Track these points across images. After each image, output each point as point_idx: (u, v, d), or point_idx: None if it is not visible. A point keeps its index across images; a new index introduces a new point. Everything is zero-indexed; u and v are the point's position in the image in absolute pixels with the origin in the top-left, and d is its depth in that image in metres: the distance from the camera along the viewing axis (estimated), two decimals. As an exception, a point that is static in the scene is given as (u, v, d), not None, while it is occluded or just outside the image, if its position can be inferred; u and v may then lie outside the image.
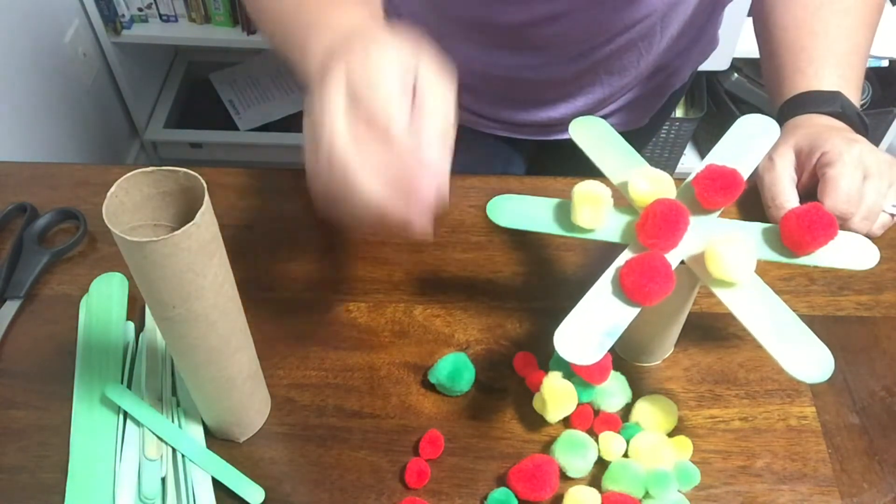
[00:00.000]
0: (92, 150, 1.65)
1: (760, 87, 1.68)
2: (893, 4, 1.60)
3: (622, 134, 0.54)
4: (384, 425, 0.54)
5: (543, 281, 0.63)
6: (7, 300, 0.60)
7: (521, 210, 0.51)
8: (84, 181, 0.69)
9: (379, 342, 0.58)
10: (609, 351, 0.44)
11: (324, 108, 0.40)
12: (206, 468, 0.50)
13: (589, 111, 0.81)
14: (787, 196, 0.61)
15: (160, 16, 1.65)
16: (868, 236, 0.51)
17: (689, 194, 0.50)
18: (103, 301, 0.59)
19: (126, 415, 0.52)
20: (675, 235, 0.47)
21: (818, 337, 0.44)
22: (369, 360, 0.57)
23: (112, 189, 0.38)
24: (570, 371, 0.53)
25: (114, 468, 0.50)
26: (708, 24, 0.81)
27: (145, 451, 0.50)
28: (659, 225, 0.46)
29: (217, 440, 0.52)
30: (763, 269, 0.46)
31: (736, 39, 1.51)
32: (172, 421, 0.52)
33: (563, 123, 0.82)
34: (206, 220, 0.38)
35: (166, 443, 0.51)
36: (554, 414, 0.52)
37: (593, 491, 0.49)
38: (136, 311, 0.59)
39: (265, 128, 1.83)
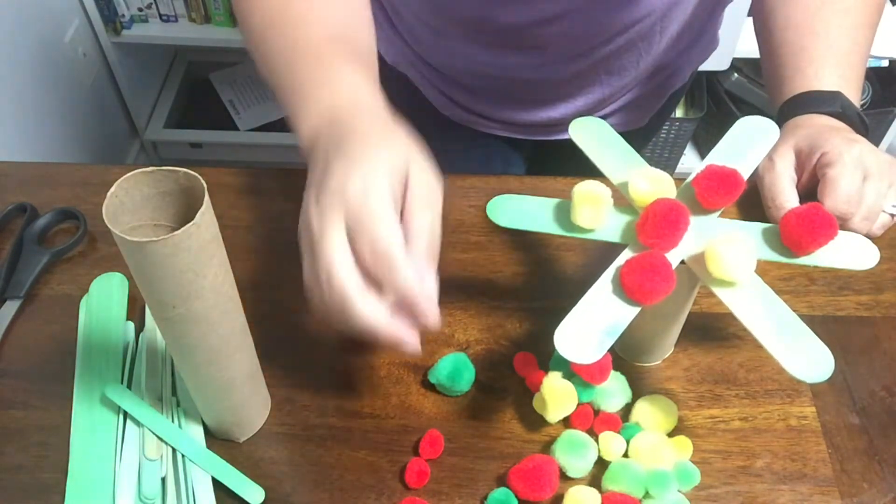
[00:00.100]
0: (92, 150, 1.65)
1: (760, 87, 1.68)
2: (893, 4, 1.60)
3: (622, 134, 0.54)
4: (384, 425, 0.54)
5: (543, 281, 0.63)
6: (7, 300, 0.60)
7: (521, 210, 0.51)
8: (84, 181, 0.69)
9: (379, 342, 0.58)
10: (609, 351, 0.44)
11: (323, 238, 0.42)
12: (206, 468, 0.50)
13: (589, 111, 0.81)
14: (787, 196, 0.61)
15: (160, 16, 1.65)
16: (868, 236, 0.51)
17: (689, 194, 0.50)
18: (103, 301, 0.59)
19: (126, 415, 0.52)
20: (675, 235, 0.47)
21: (818, 337, 0.44)
22: (369, 360, 0.57)
23: (112, 189, 0.38)
24: (570, 371, 0.53)
25: (114, 468, 0.50)
26: (708, 24, 0.81)
27: (145, 451, 0.50)
28: (659, 225, 0.46)
29: (217, 440, 0.52)
30: (763, 269, 0.46)
31: (736, 39, 1.51)
32: (172, 421, 0.52)
33: (563, 123, 0.82)
34: (206, 220, 0.38)
35: (166, 443, 0.51)
36: (554, 414, 0.52)
37: (593, 491, 0.49)
38: (136, 311, 0.59)
39: (265, 128, 1.83)
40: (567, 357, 0.44)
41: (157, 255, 0.37)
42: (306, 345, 0.58)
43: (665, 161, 1.82)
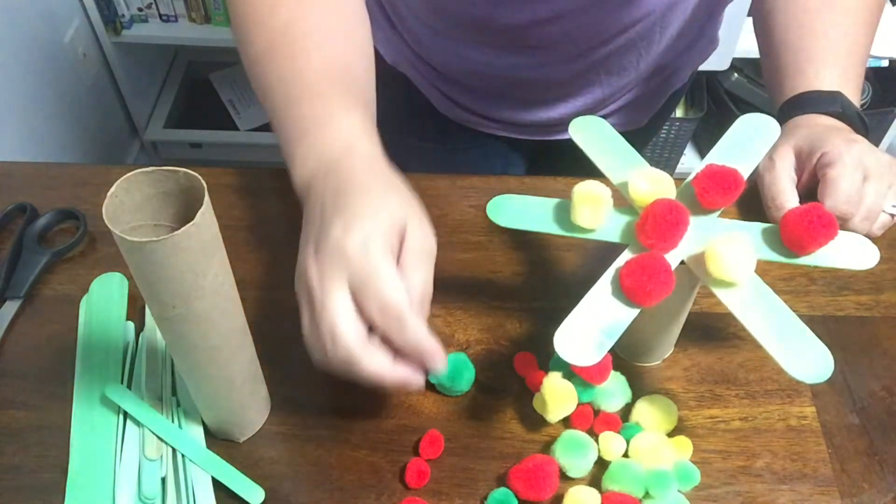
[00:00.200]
0: (92, 150, 1.65)
1: (760, 87, 1.68)
2: (893, 4, 1.60)
3: (622, 134, 0.54)
4: (384, 425, 0.54)
5: (543, 281, 0.63)
6: (7, 300, 0.60)
7: (521, 210, 0.51)
8: (84, 181, 0.69)
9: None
10: (609, 351, 0.44)
11: (325, 298, 0.43)
12: (206, 468, 0.50)
13: (589, 111, 0.81)
14: (787, 196, 0.61)
15: (160, 16, 1.65)
16: (868, 236, 0.51)
17: (689, 194, 0.50)
18: (103, 301, 0.59)
19: (126, 415, 0.52)
20: (675, 235, 0.47)
21: (818, 337, 0.44)
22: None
23: (112, 189, 0.38)
24: (570, 371, 0.53)
25: (114, 468, 0.50)
26: (708, 24, 0.81)
27: (145, 451, 0.50)
28: (659, 225, 0.46)
29: (217, 440, 0.52)
30: (763, 269, 0.46)
31: (736, 39, 1.51)
32: (172, 421, 0.52)
33: (562, 123, 0.81)
34: (206, 220, 0.38)
35: (166, 443, 0.51)
36: (554, 414, 0.52)
37: (593, 491, 0.49)
38: (136, 311, 0.59)
39: (265, 128, 1.83)
40: (567, 359, 0.44)
41: (157, 255, 0.37)
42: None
43: (665, 161, 1.82)
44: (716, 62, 1.53)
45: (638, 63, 0.76)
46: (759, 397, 0.56)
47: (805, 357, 0.43)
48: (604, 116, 0.83)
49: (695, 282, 0.49)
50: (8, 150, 1.34)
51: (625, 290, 0.45)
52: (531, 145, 0.91)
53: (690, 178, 0.51)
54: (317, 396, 0.55)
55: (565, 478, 0.51)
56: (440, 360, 0.45)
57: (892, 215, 0.60)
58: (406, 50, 0.81)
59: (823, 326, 0.59)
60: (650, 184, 0.48)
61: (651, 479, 0.49)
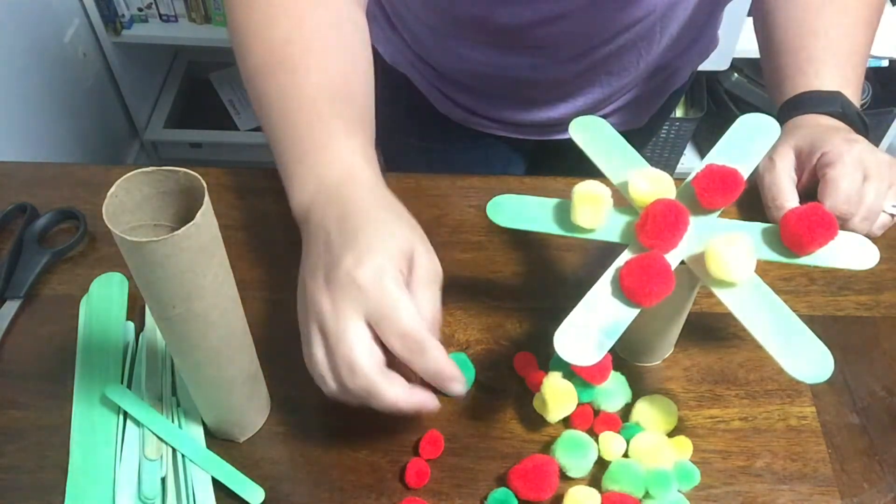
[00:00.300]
0: (92, 150, 1.65)
1: (760, 87, 1.68)
2: (894, 4, 1.60)
3: (622, 134, 0.54)
4: (384, 425, 0.54)
5: (543, 281, 0.63)
6: (7, 300, 0.60)
7: (521, 210, 0.51)
8: (84, 181, 0.69)
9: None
10: (609, 351, 0.44)
11: (341, 331, 0.43)
12: (206, 468, 0.50)
13: (589, 111, 0.81)
14: (787, 196, 0.61)
15: (160, 16, 1.65)
16: (868, 236, 0.51)
17: (689, 194, 0.50)
18: (103, 301, 0.59)
19: (126, 415, 0.52)
20: (675, 235, 0.47)
21: (818, 337, 0.44)
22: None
23: (112, 189, 0.38)
24: (570, 371, 0.53)
25: (114, 468, 0.50)
26: (708, 24, 0.81)
27: (145, 451, 0.50)
28: (659, 225, 0.46)
29: (217, 440, 0.52)
30: (763, 269, 0.46)
31: (736, 39, 1.51)
32: (172, 421, 0.52)
33: (563, 123, 0.81)
34: (206, 220, 0.38)
35: (166, 443, 0.51)
36: (554, 414, 0.52)
37: (593, 491, 0.49)
38: (136, 311, 0.59)
39: (265, 128, 1.83)
40: (567, 359, 0.44)
41: (157, 255, 0.37)
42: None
43: (665, 161, 1.82)
44: (716, 62, 1.53)
45: (638, 63, 0.76)
46: (759, 397, 0.56)
47: (805, 357, 0.43)
48: (604, 116, 0.83)
49: (695, 282, 0.49)
50: (8, 150, 1.34)
51: (625, 290, 0.45)
52: (531, 145, 0.91)
53: (690, 178, 0.51)
54: (317, 396, 0.55)
55: (565, 478, 0.51)
56: (460, 385, 0.46)
57: (892, 215, 0.60)
58: (406, 50, 0.81)
59: (823, 326, 0.59)
60: (650, 184, 0.48)
61: (651, 479, 0.49)
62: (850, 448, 0.53)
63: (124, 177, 0.39)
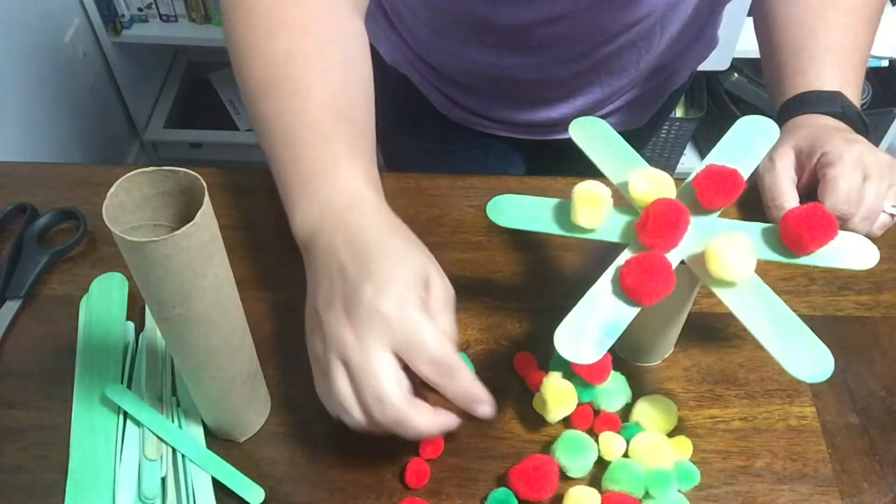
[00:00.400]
0: (92, 150, 1.65)
1: (760, 87, 1.68)
2: (894, 4, 1.60)
3: (622, 134, 0.54)
4: (384, 425, 0.54)
5: (543, 281, 0.63)
6: (7, 300, 0.60)
7: (521, 210, 0.51)
8: (84, 181, 0.69)
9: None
10: (609, 351, 0.44)
11: (369, 363, 0.43)
12: (206, 468, 0.50)
13: (589, 111, 0.81)
14: (787, 196, 0.61)
15: (160, 16, 1.66)
16: (868, 236, 0.51)
17: (689, 194, 0.50)
18: (103, 301, 0.59)
19: (126, 415, 0.52)
20: (675, 235, 0.47)
21: (818, 337, 0.44)
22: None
23: (112, 189, 0.38)
24: (570, 371, 0.53)
25: (114, 468, 0.50)
26: (707, 23, 0.81)
27: (145, 451, 0.50)
28: (659, 225, 0.46)
29: (217, 440, 0.52)
30: (763, 269, 0.46)
31: (736, 39, 1.51)
32: (172, 421, 0.52)
33: (563, 123, 0.82)
34: (206, 220, 0.38)
35: (166, 443, 0.51)
36: (554, 414, 0.52)
37: (593, 491, 0.49)
38: (136, 311, 0.59)
39: (265, 128, 1.83)
40: (567, 357, 0.44)
41: (157, 255, 0.37)
42: (306, 345, 0.57)
43: (665, 161, 1.82)
44: (716, 62, 1.53)
45: (638, 63, 0.76)
46: (759, 397, 0.56)
47: (805, 357, 0.43)
48: (604, 116, 0.83)
49: (695, 282, 0.49)
50: (8, 150, 1.34)
51: (625, 289, 0.45)
52: (531, 145, 0.91)
53: (690, 178, 0.51)
54: (317, 396, 0.55)
55: (565, 478, 0.51)
56: (490, 406, 0.46)
57: (892, 215, 0.60)
58: (406, 50, 0.81)
59: (823, 326, 0.59)
60: (650, 184, 0.48)
61: (651, 479, 0.49)
62: (850, 448, 0.53)
63: (124, 177, 0.39)
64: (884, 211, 0.60)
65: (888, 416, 0.55)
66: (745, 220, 0.50)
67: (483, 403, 0.46)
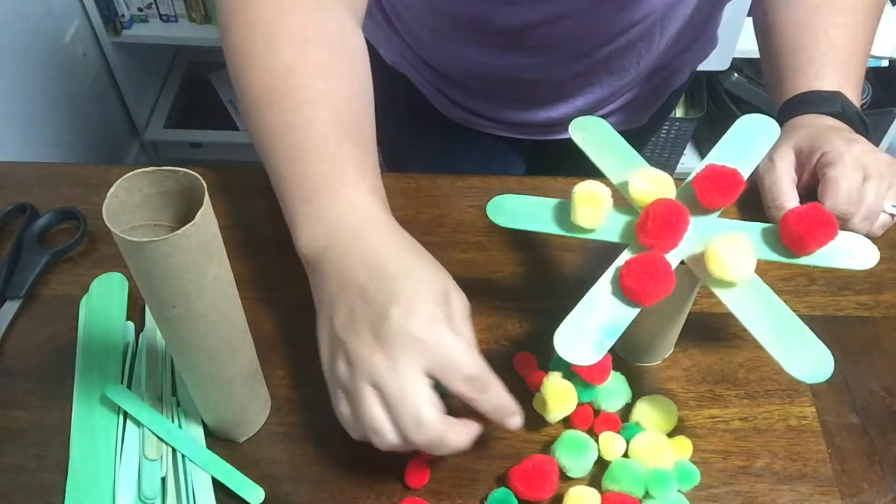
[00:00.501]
0: (92, 150, 1.65)
1: (760, 87, 1.68)
2: (894, 4, 1.60)
3: (622, 133, 0.54)
4: (384, 425, 0.54)
5: (543, 281, 0.63)
6: (7, 300, 0.60)
7: (521, 210, 0.51)
8: (84, 181, 0.69)
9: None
10: (609, 351, 0.44)
11: (405, 387, 0.43)
12: (206, 468, 0.50)
13: (588, 111, 0.81)
14: (787, 196, 0.61)
15: (160, 16, 1.65)
16: (868, 236, 0.51)
17: (689, 194, 0.50)
18: (103, 301, 0.59)
19: (126, 415, 0.52)
20: (675, 235, 0.47)
21: (818, 337, 0.44)
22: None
23: (112, 189, 0.38)
24: (570, 371, 0.53)
25: (114, 468, 0.50)
26: (707, 23, 0.81)
27: (145, 451, 0.50)
28: (659, 225, 0.46)
29: (217, 440, 0.52)
30: (763, 269, 0.46)
31: (736, 39, 1.51)
32: (172, 421, 0.52)
33: (562, 123, 0.82)
34: (205, 220, 0.38)
35: (166, 443, 0.51)
36: (554, 414, 0.52)
37: (593, 491, 0.49)
38: (136, 311, 0.59)
39: (265, 128, 1.83)
40: (567, 359, 0.44)
41: (157, 255, 0.37)
42: (306, 345, 0.57)
43: (665, 161, 1.82)
44: (716, 62, 1.53)
45: (638, 63, 0.76)
46: (759, 397, 0.56)
47: (805, 357, 0.43)
48: (604, 116, 0.83)
49: (695, 282, 0.49)
50: (8, 150, 1.34)
51: (625, 290, 0.45)
52: (531, 145, 0.91)
53: (690, 178, 0.51)
54: (317, 396, 0.55)
55: (565, 478, 0.51)
56: (520, 418, 0.47)
57: (892, 215, 0.60)
58: (406, 50, 0.81)
59: (823, 326, 0.59)
60: (650, 184, 0.48)
61: (651, 479, 0.49)
62: (850, 448, 0.53)
63: (124, 177, 0.39)
64: (884, 211, 0.60)
65: (888, 416, 0.55)
66: (745, 220, 0.50)
67: (515, 415, 0.46)
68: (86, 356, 0.56)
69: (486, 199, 0.52)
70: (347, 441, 0.53)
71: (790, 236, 0.47)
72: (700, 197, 0.49)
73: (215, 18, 1.64)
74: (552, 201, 0.51)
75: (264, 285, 0.61)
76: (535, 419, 0.54)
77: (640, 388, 0.55)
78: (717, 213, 0.50)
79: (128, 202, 0.40)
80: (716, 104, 1.74)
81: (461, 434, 0.45)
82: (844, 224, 0.59)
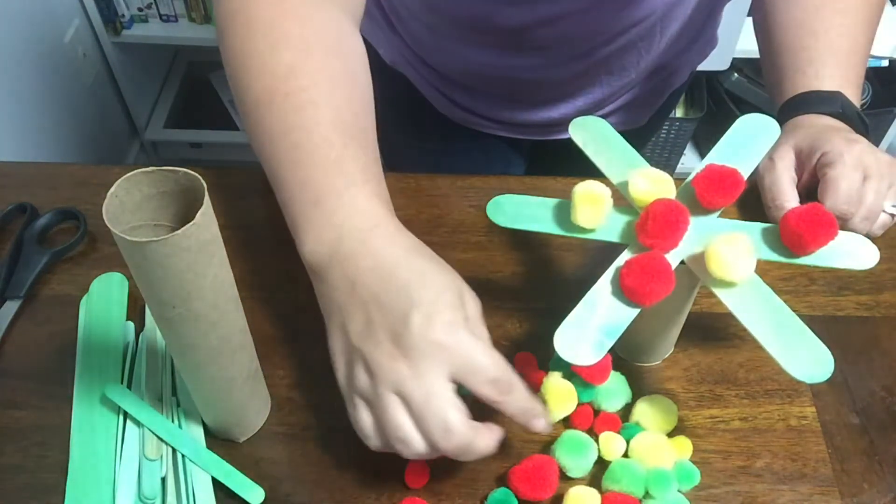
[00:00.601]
0: (92, 150, 1.65)
1: (760, 87, 1.68)
2: (894, 4, 1.60)
3: (622, 133, 0.54)
4: (384, 425, 0.54)
5: (543, 281, 0.63)
6: (7, 300, 0.60)
7: (521, 210, 0.51)
8: (84, 181, 0.69)
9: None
10: (609, 351, 0.44)
11: (433, 396, 0.43)
12: (206, 468, 0.50)
13: (588, 111, 0.81)
14: (787, 196, 0.61)
15: (160, 16, 1.65)
16: (868, 236, 0.51)
17: (689, 194, 0.50)
18: (103, 301, 0.59)
19: (126, 415, 0.52)
20: (675, 235, 0.47)
21: (818, 337, 0.44)
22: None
23: (112, 189, 0.38)
24: (570, 371, 0.53)
25: (114, 468, 0.50)
26: (707, 23, 0.81)
27: (145, 451, 0.50)
28: (659, 225, 0.46)
29: (217, 440, 0.52)
30: (763, 269, 0.46)
31: (736, 39, 1.51)
32: (172, 421, 0.52)
33: (562, 123, 0.82)
34: (206, 220, 0.38)
35: (166, 443, 0.51)
36: (554, 414, 0.52)
37: (593, 491, 0.49)
38: (136, 311, 0.59)
39: (265, 128, 1.83)
40: (567, 359, 0.44)
41: (157, 255, 0.37)
42: (306, 345, 0.58)
43: (665, 161, 1.82)
44: (716, 62, 1.53)
45: (638, 63, 0.76)
46: (759, 397, 0.56)
47: (805, 357, 0.43)
48: (604, 116, 0.83)
49: (695, 282, 0.49)
50: (8, 150, 1.34)
51: (625, 290, 0.45)
52: (531, 145, 0.91)
53: (690, 178, 0.51)
54: (317, 396, 0.55)
55: (565, 478, 0.51)
56: (547, 420, 0.47)
57: (892, 215, 0.60)
58: (405, 50, 0.81)
59: (823, 326, 0.59)
60: (650, 184, 0.48)
61: (651, 479, 0.49)
62: (850, 448, 0.53)
63: (124, 177, 0.39)
64: (884, 211, 0.60)
65: (888, 416, 0.55)
66: (745, 220, 0.50)
67: (541, 417, 0.46)
68: (86, 356, 0.56)
69: (486, 199, 0.52)
70: (347, 441, 0.53)
71: (790, 236, 0.47)
72: (700, 197, 0.49)
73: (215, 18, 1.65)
74: (552, 201, 0.51)
75: (264, 285, 0.61)
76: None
77: (640, 388, 0.55)
78: (717, 213, 0.50)
79: (128, 202, 0.39)
80: (716, 104, 1.74)
81: (487, 438, 0.44)
82: (844, 224, 0.59)
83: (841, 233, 0.47)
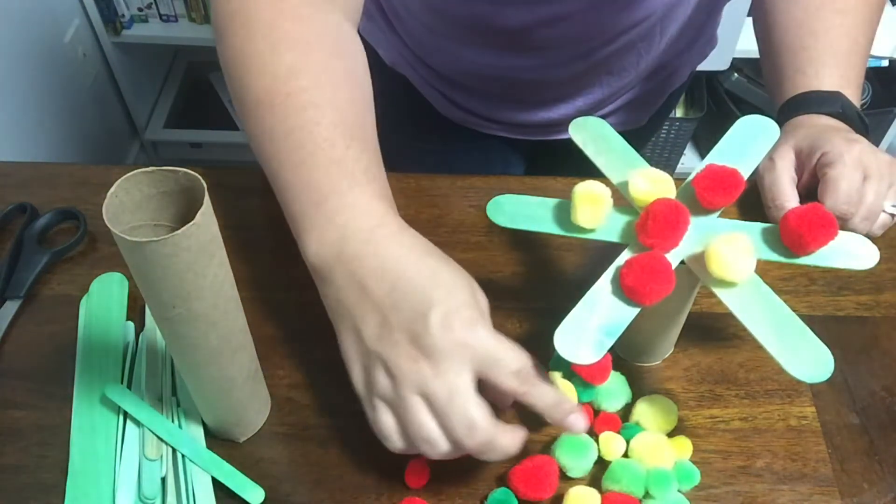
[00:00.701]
0: (92, 150, 1.65)
1: (760, 87, 1.68)
2: (894, 4, 1.60)
3: (622, 133, 0.54)
4: (384, 425, 0.54)
5: (543, 281, 0.63)
6: (7, 300, 0.60)
7: (521, 210, 0.51)
8: (84, 181, 0.69)
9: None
10: (609, 351, 0.44)
11: (457, 395, 0.43)
12: (206, 468, 0.50)
13: (588, 111, 0.81)
14: (787, 196, 0.61)
15: (160, 16, 1.65)
16: (868, 236, 0.51)
17: (689, 194, 0.50)
18: (103, 301, 0.59)
19: (126, 415, 0.52)
20: (675, 235, 0.47)
21: (818, 337, 0.44)
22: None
23: (112, 189, 0.38)
24: (570, 371, 0.53)
25: (114, 468, 0.50)
26: (707, 23, 0.81)
27: (145, 451, 0.50)
28: (659, 225, 0.46)
29: (217, 440, 0.52)
30: (763, 269, 0.46)
31: (736, 39, 1.51)
32: (172, 421, 0.52)
33: (562, 124, 0.82)
34: (206, 220, 0.38)
35: (166, 443, 0.51)
36: (554, 414, 0.52)
37: (593, 491, 0.49)
38: (136, 311, 0.59)
39: (265, 128, 1.83)
40: (567, 358, 0.44)
41: (157, 255, 0.37)
42: (306, 345, 0.58)
43: (665, 161, 1.82)
44: (716, 62, 1.53)
45: (638, 63, 0.76)
46: (759, 397, 0.56)
47: (805, 357, 0.43)
48: (603, 116, 0.83)
49: (695, 282, 0.49)
50: (8, 150, 1.34)
51: (625, 290, 0.45)
52: (531, 145, 0.91)
53: (690, 178, 0.51)
54: (317, 396, 0.55)
55: (565, 478, 0.51)
56: (583, 418, 0.46)
57: (892, 215, 0.60)
58: (405, 51, 0.81)
59: (823, 326, 0.59)
60: (650, 184, 0.48)
61: (651, 479, 0.49)
62: (850, 448, 0.53)
63: (124, 177, 0.39)
64: (884, 211, 0.60)
65: (888, 416, 0.55)
66: (745, 220, 0.50)
67: (576, 413, 0.45)
68: (86, 356, 0.56)
69: (486, 199, 0.52)
70: (347, 441, 0.53)
71: (790, 236, 0.47)
72: (700, 197, 0.49)
73: (215, 18, 1.65)
74: (552, 201, 0.51)
75: (264, 285, 0.61)
76: (535, 419, 0.53)
77: (640, 388, 0.55)
78: (717, 213, 0.50)
79: (128, 202, 0.40)
80: (716, 104, 1.75)
81: (509, 437, 0.44)
82: (844, 224, 0.59)
83: (841, 233, 0.47)
